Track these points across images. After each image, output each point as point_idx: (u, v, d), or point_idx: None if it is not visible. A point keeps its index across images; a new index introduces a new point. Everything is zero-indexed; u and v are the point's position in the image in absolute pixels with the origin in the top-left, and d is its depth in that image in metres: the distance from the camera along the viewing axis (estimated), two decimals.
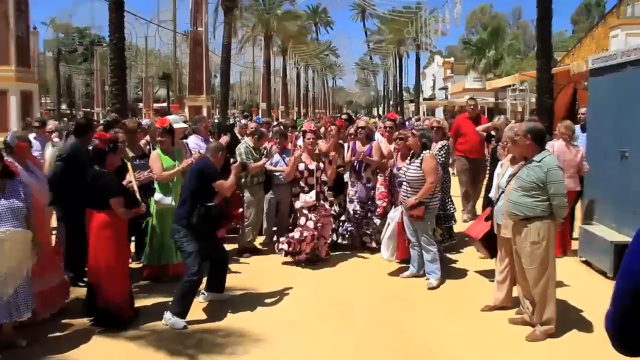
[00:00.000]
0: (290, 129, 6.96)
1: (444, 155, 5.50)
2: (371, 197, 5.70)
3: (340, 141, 6.09)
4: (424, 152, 4.59)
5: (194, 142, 5.57)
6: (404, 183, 4.67)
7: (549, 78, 9.17)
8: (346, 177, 6.06)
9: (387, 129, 6.16)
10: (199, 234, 3.83)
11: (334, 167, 5.43)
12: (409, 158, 4.77)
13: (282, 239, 5.25)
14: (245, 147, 5.60)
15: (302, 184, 5.25)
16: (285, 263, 5.33)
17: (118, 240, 3.73)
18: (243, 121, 7.83)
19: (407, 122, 12.81)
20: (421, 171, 4.54)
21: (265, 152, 5.70)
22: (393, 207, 5.34)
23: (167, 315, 3.75)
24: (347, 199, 5.76)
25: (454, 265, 5.35)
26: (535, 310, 3.54)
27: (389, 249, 4.91)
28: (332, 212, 5.62)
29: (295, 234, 5.15)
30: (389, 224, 4.95)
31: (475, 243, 4.86)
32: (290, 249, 5.15)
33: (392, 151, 5.67)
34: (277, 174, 6.08)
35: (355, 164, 5.73)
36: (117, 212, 3.67)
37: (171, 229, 3.98)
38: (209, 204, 3.84)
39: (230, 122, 16.88)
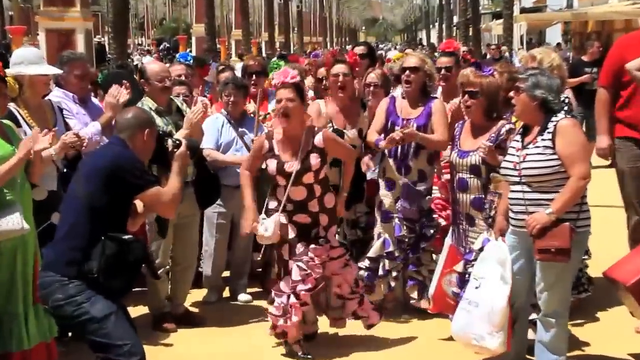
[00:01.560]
0: (254, 76, 6.96)
1: None
2: (427, 209, 5.76)
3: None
4: (552, 119, 4.55)
5: (62, 105, 5.56)
6: (519, 186, 4.60)
7: None
8: (371, 169, 6.09)
9: (443, 72, 6.17)
10: (104, 292, 3.86)
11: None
12: (520, 134, 4.73)
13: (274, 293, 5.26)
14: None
15: (278, 194, 5.24)
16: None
17: None
18: (146, 59, 7.81)
19: (505, 56, 12.69)
20: (554, 157, 4.50)
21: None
22: (453, 230, 5.34)
23: None
24: (380, 215, 5.79)
25: (586, 346, 5.35)
26: None
27: (499, 330, 4.68)
28: (342, 244, 5.66)
29: (284, 286, 5.15)
30: (472, 279, 4.87)
31: (624, 294, 4.87)
32: (281, 320, 5.16)
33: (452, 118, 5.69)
34: (229, 165, 6.14)
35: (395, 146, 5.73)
36: None
37: (41, 284, 3.98)
38: (124, 236, 3.90)
39: (135, 64, 16.81)
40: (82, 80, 5.80)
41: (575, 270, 4.80)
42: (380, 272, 5.69)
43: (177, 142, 4.32)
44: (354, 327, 5.60)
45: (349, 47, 17.60)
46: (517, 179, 4.58)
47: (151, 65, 5.99)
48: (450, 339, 5.19)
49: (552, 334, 4.61)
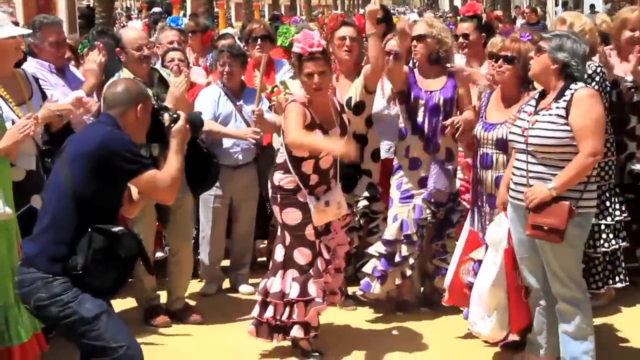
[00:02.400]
0: (259, 40, 6.93)
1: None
2: (454, 192, 5.81)
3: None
4: (571, 86, 4.54)
5: (38, 75, 5.52)
6: (524, 155, 4.62)
7: None
8: (385, 147, 6.12)
9: (461, 39, 6.26)
10: (92, 290, 3.85)
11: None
12: (535, 99, 4.72)
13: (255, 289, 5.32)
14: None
15: (304, 168, 5.12)
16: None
17: None
18: (131, 23, 7.76)
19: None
20: (565, 128, 4.49)
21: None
22: (473, 213, 5.37)
23: None
24: (397, 196, 5.79)
25: (624, 342, 5.39)
26: None
27: (491, 314, 4.87)
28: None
29: (322, 265, 5.11)
30: (482, 257, 4.95)
31: None
32: (277, 319, 5.14)
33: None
34: (227, 143, 6.14)
35: (420, 120, 5.75)
36: None
37: (21, 281, 3.94)
38: (114, 229, 3.86)
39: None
40: (58, 48, 5.73)
41: (581, 254, 4.75)
42: (398, 258, 5.68)
43: (175, 115, 4.19)
44: (364, 323, 5.68)
45: (362, 11, 17.26)
46: (523, 147, 4.60)
47: (127, 31, 5.92)
48: (470, 336, 5.25)
49: (574, 321, 4.61)
